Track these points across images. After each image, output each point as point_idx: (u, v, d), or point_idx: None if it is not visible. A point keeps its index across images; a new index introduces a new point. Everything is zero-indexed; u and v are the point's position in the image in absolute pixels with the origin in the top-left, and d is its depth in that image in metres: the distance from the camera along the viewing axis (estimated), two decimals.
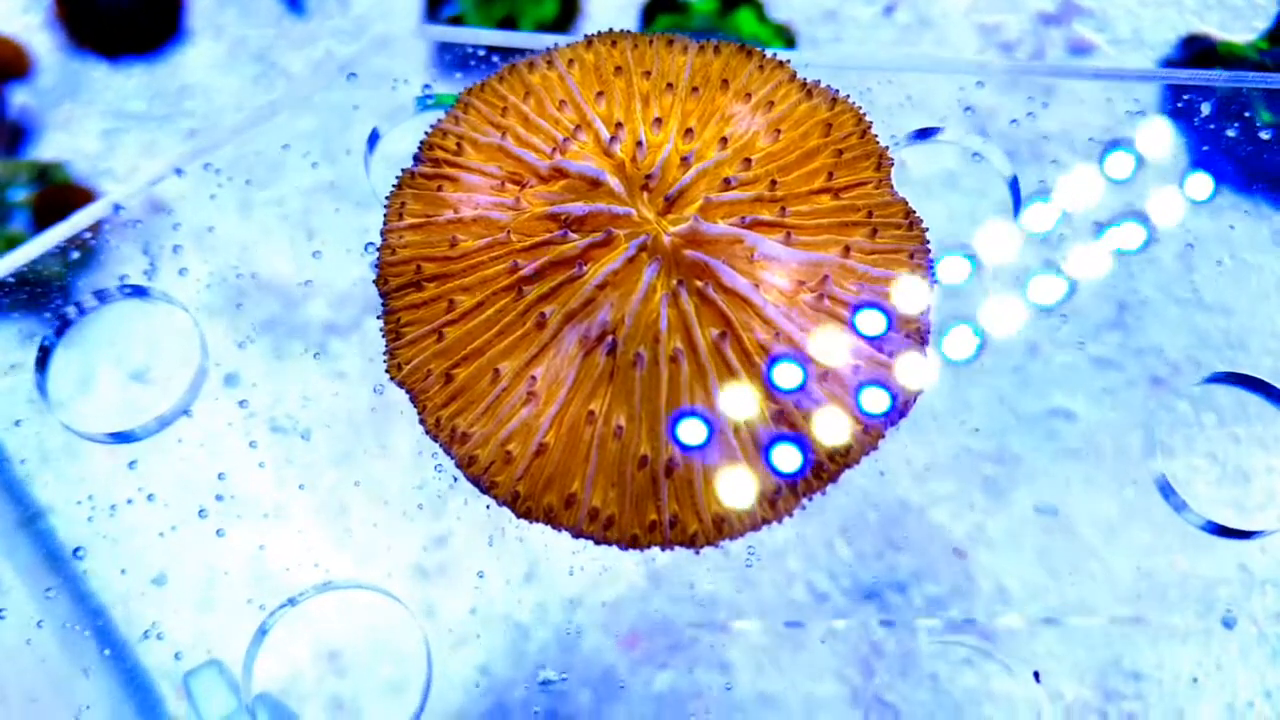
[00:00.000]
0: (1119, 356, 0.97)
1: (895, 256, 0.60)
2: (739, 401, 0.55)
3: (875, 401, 0.57)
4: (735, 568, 0.78)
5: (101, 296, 0.74)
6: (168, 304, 0.76)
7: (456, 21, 1.27)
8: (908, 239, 0.61)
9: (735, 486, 0.55)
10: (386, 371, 0.59)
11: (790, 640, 0.81)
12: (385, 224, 0.61)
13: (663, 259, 0.56)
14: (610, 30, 0.66)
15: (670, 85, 0.63)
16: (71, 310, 0.73)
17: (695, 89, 0.63)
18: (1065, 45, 1.26)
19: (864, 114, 0.64)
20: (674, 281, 0.56)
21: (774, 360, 0.56)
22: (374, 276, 0.61)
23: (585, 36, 0.66)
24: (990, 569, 0.89)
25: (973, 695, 0.91)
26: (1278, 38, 1.16)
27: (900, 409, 0.58)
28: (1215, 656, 0.97)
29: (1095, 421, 0.97)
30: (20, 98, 1.36)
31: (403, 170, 0.64)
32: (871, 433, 0.57)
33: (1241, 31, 1.20)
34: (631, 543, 0.55)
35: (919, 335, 0.59)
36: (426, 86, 0.76)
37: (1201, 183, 1.24)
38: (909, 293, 0.59)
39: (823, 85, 0.65)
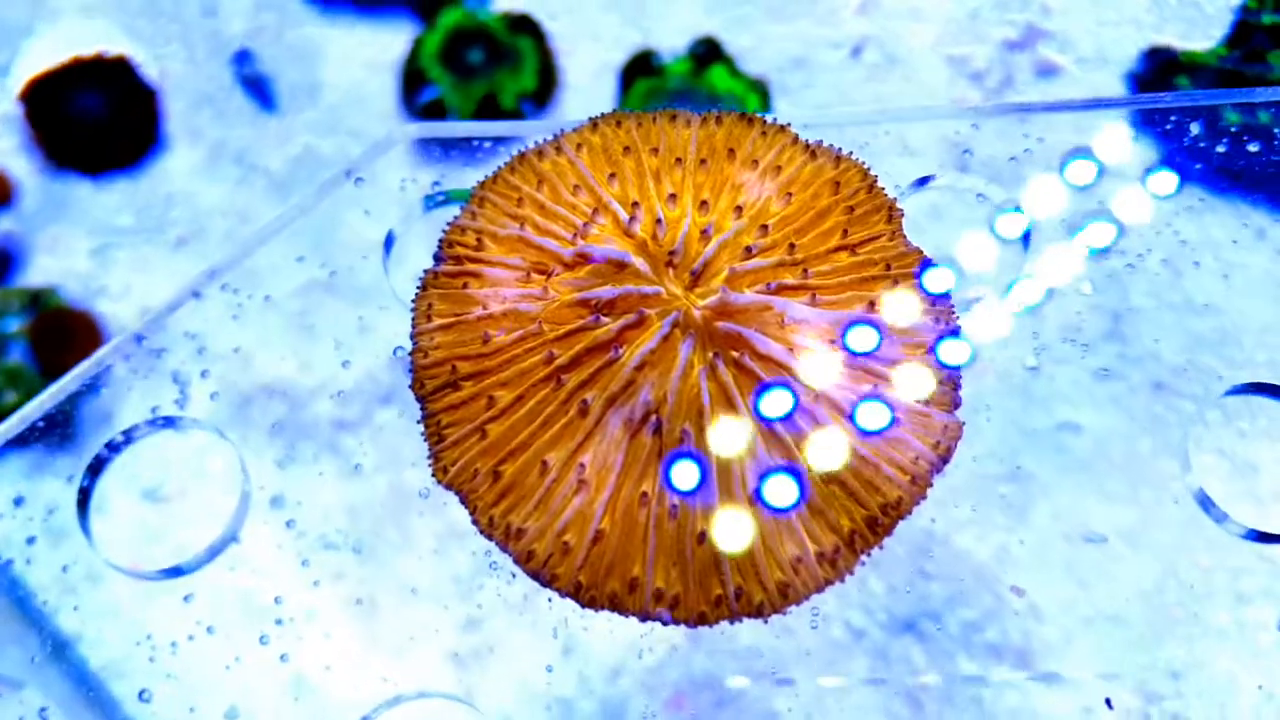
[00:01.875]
0: (1119, 366, 0.98)
1: (921, 309, 0.60)
2: (789, 466, 0.55)
3: (918, 452, 0.57)
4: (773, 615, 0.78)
5: (134, 431, 0.74)
6: (202, 431, 0.76)
7: (437, 106, 1.28)
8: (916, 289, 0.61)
9: (795, 550, 0.55)
10: (432, 475, 0.59)
11: (835, 682, 0.81)
12: (414, 327, 0.61)
13: (696, 333, 0.57)
14: (614, 111, 0.66)
15: (679, 160, 0.63)
16: (105, 448, 0.72)
17: (703, 161, 0.63)
18: (1032, 69, 1.28)
19: (868, 168, 0.65)
20: (710, 354, 0.56)
21: (816, 423, 0.56)
22: (409, 381, 0.61)
23: (590, 120, 0.66)
24: (1021, 587, 0.89)
25: (1018, 715, 0.91)
26: (1236, 42, 1.18)
27: (944, 456, 0.58)
28: (1251, 649, 0.96)
29: (1103, 432, 0.97)
30: (4, 224, 1.36)
31: (425, 271, 0.64)
32: (919, 483, 0.57)
33: (1200, 40, 1.22)
34: (699, 620, 0.55)
35: (951, 382, 0.60)
36: (436, 184, 0.76)
37: (1167, 180, 1.26)
38: (934, 341, 0.60)
39: (825, 144, 0.66)
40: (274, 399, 0.82)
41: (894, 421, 0.56)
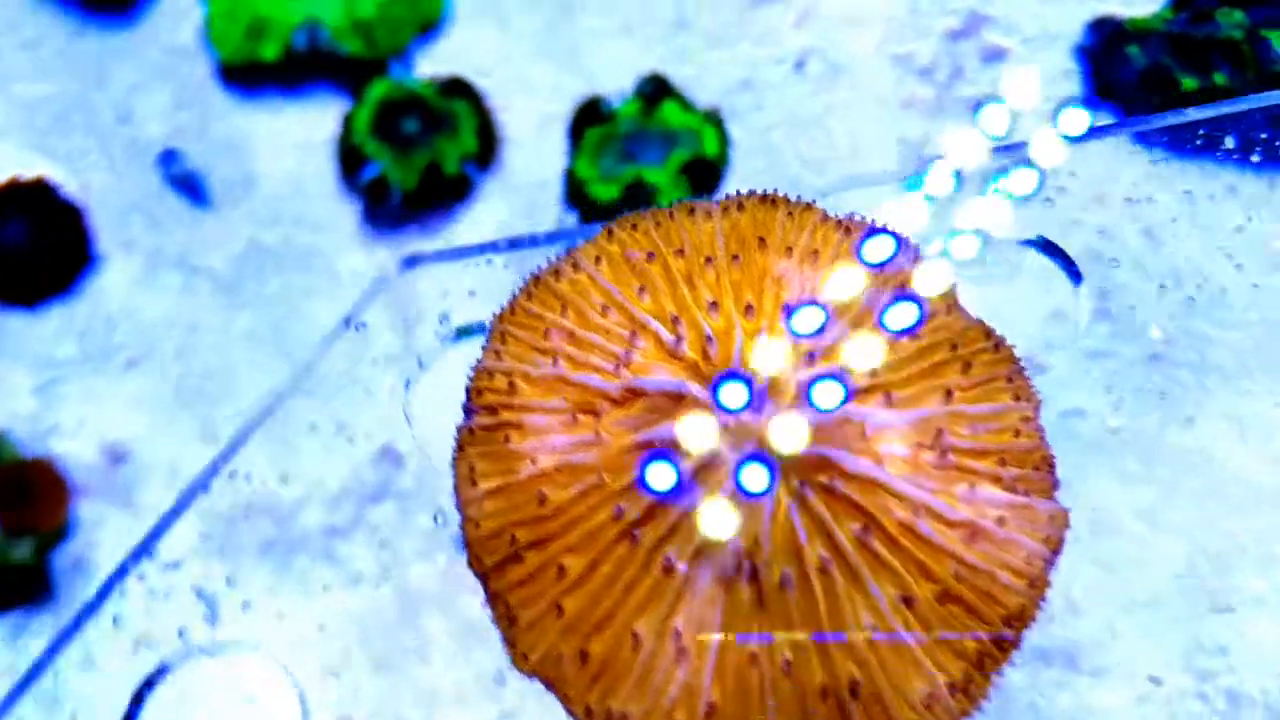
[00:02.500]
0: (1112, 345, 0.94)
1: (994, 385, 0.54)
2: (903, 594, 0.49)
3: (1029, 550, 0.51)
4: None
5: (168, 665, 0.65)
6: (242, 652, 0.67)
7: (380, 183, 1.20)
8: (998, 362, 0.55)
9: (925, 686, 0.49)
10: (512, 665, 0.52)
11: None
12: (458, 495, 0.54)
13: (776, 462, 0.50)
14: (627, 215, 0.60)
15: (709, 259, 0.56)
16: (143, 685, 0.64)
17: (735, 257, 0.57)
18: (979, 56, 1.23)
19: (908, 238, 0.59)
20: (795, 484, 0.50)
21: (919, 539, 0.50)
22: (465, 558, 0.54)
23: (604, 228, 0.59)
24: (1052, 582, 0.86)
25: (1072, 714, 0.88)
26: (1182, 4, 1.14)
27: (1055, 549, 0.52)
28: None
29: (1108, 411, 0.94)
30: None
31: (457, 428, 0.56)
32: (1038, 584, 0.51)
33: (1144, 5, 1.18)
34: None
35: (1046, 463, 0.54)
36: (443, 317, 0.68)
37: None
38: (1023, 421, 0.54)
39: (855, 216, 0.60)
40: (312, 599, 0.74)
41: (999, 521, 0.51)
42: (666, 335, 0.53)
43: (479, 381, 0.56)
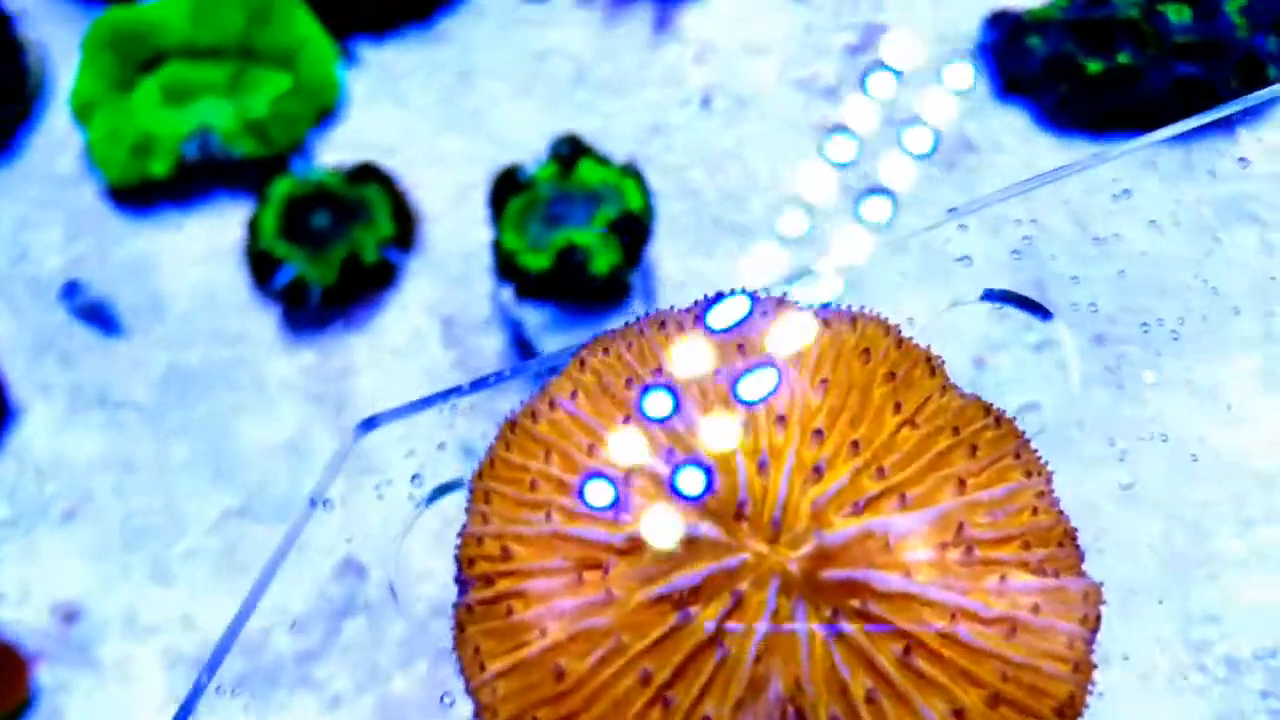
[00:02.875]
0: (1056, 334, 0.93)
1: (1003, 465, 0.52)
2: (953, 708, 0.47)
3: (1070, 634, 0.49)
4: None
5: None
6: None
7: (298, 285, 1.14)
8: (1003, 439, 0.53)
9: None
10: None
11: None
12: (467, 681, 0.50)
13: (802, 595, 0.47)
14: (596, 338, 0.56)
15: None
16: None
17: (717, 370, 0.53)
18: (881, 67, 1.21)
19: (885, 318, 0.57)
20: (827, 613, 0.47)
21: (963, 646, 0.47)
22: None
23: (574, 357, 0.56)
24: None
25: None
26: None
27: (1094, 628, 0.50)
28: (1274, 569, 0.94)
29: (1063, 401, 0.92)
30: None
31: (453, 606, 0.52)
32: (1083, 668, 0.49)
33: None
34: None
35: (1069, 537, 0.52)
36: (415, 478, 0.64)
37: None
38: (1037, 497, 0.52)
39: (833, 305, 0.57)
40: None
41: (1034, 609, 0.48)
42: (663, 473, 0.49)
43: (468, 550, 0.52)
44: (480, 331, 1.20)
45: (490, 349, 1.19)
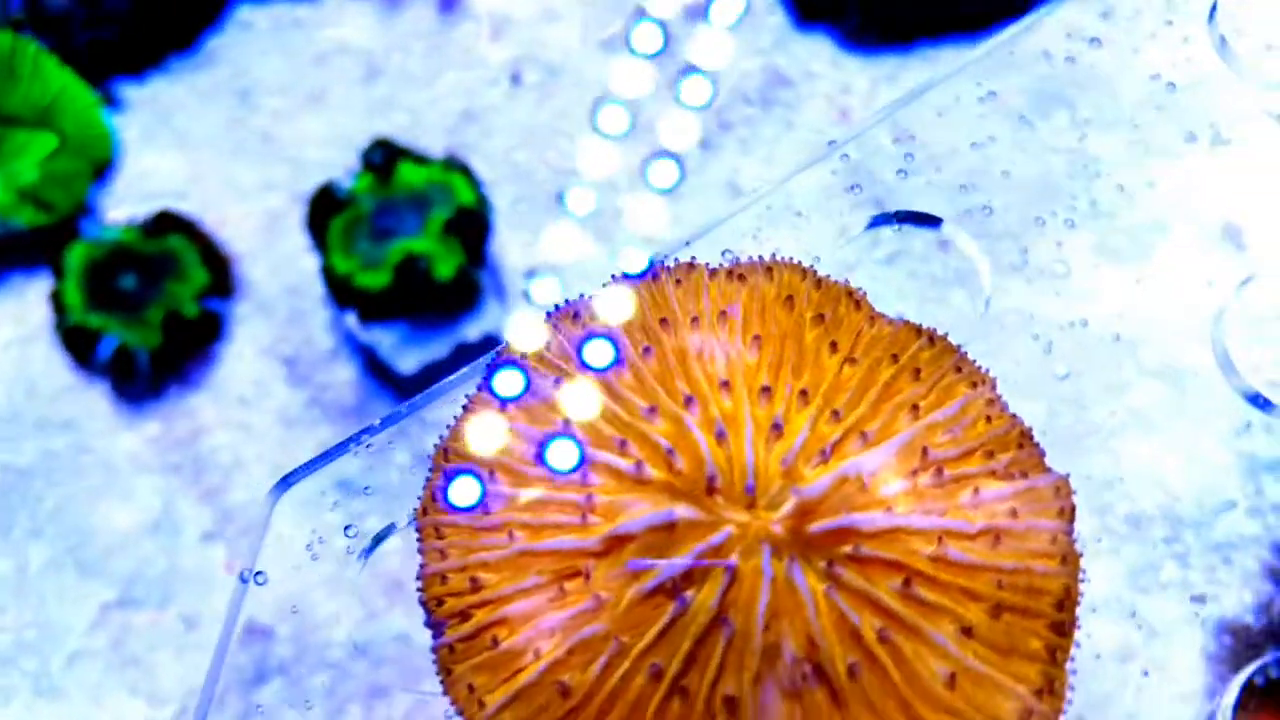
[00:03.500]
0: (903, 244, 0.96)
1: (947, 381, 0.53)
2: (961, 627, 0.48)
3: (1051, 530, 0.51)
4: None
5: None
6: None
7: (122, 354, 1.07)
8: (941, 355, 0.54)
9: (1014, 704, 0.48)
10: None
11: None
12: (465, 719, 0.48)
13: (795, 554, 0.47)
14: (500, 347, 0.54)
15: (620, 360, 0.52)
16: None
17: (646, 349, 0.53)
18: (684, 15, 1.22)
19: (799, 261, 0.57)
20: (823, 566, 0.47)
21: (955, 566, 0.48)
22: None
23: (495, 353, 0.54)
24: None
25: None
26: None
27: (1070, 517, 0.52)
28: (1147, 424, 0.99)
29: (917, 306, 0.95)
30: None
31: (432, 649, 0.50)
32: (1070, 559, 0.51)
33: None
34: None
35: (1024, 436, 0.54)
36: (348, 528, 0.61)
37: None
38: (987, 405, 0.54)
39: (743, 260, 0.57)
40: None
41: (1012, 513, 0.50)
42: (623, 465, 0.49)
43: (433, 590, 0.50)
44: (327, 365, 1.15)
45: (342, 381, 1.15)
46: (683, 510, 0.47)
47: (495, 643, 0.48)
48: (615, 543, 0.47)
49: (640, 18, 1.19)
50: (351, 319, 1.08)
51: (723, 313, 0.53)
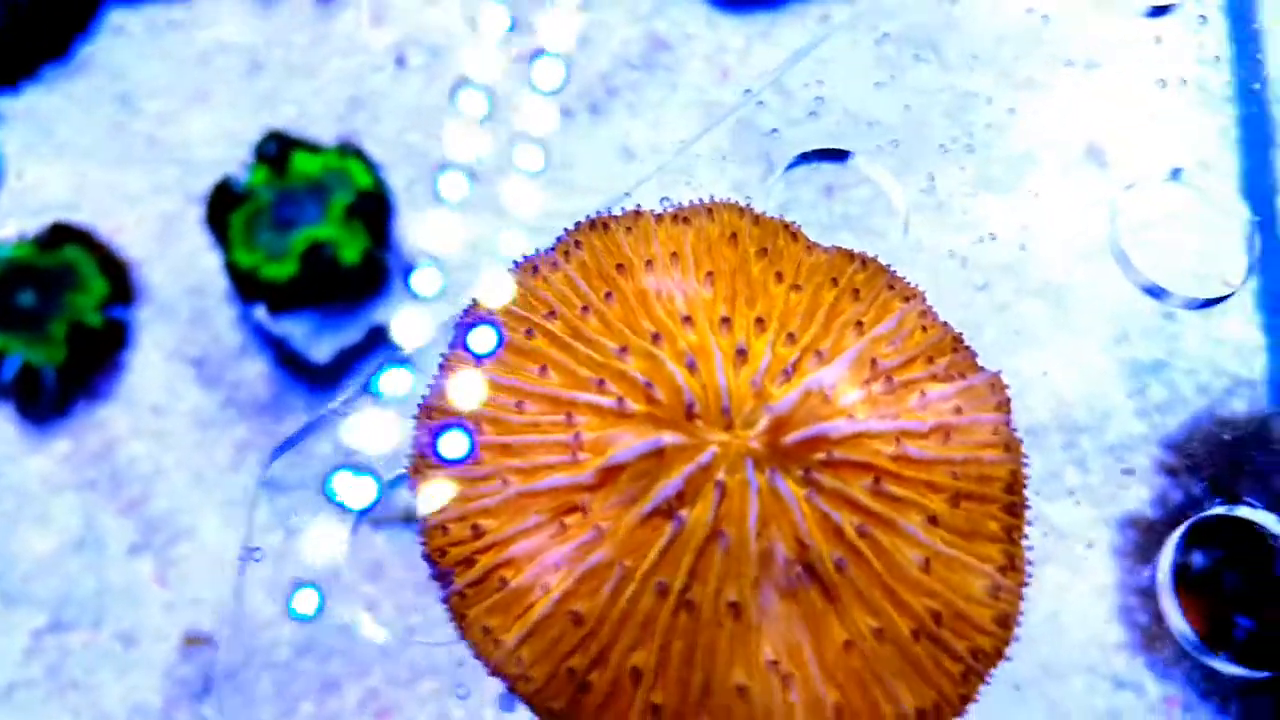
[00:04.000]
0: (796, 192, 1.00)
1: (884, 298, 0.58)
2: (927, 516, 0.53)
3: (993, 422, 0.56)
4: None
5: None
6: None
7: (27, 373, 1.06)
8: (874, 275, 0.59)
9: (981, 580, 0.53)
10: None
11: None
12: (488, 662, 0.51)
13: (775, 466, 0.51)
14: (469, 308, 0.57)
15: (584, 308, 0.56)
16: None
17: (608, 294, 0.56)
18: None
19: (735, 201, 0.61)
20: (800, 474, 0.52)
21: (918, 462, 0.53)
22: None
23: (458, 327, 0.56)
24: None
25: None
26: None
27: (1008, 409, 0.58)
28: (1030, 337, 1.05)
29: (825, 214, 1.00)
30: None
31: (442, 600, 0.53)
32: (1013, 446, 0.56)
33: None
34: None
35: (955, 341, 0.59)
36: (358, 514, 0.62)
37: None
38: (921, 316, 0.59)
39: (681, 204, 0.61)
40: None
41: (956, 410, 0.55)
42: (605, 401, 0.52)
43: (435, 541, 0.52)
44: (237, 362, 1.15)
45: (255, 377, 1.15)
46: (669, 437, 0.51)
47: (504, 583, 0.51)
48: (608, 474, 0.51)
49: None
50: (261, 312, 1.09)
51: (674, 254, 0.57)
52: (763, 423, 0.51)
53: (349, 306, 1.12)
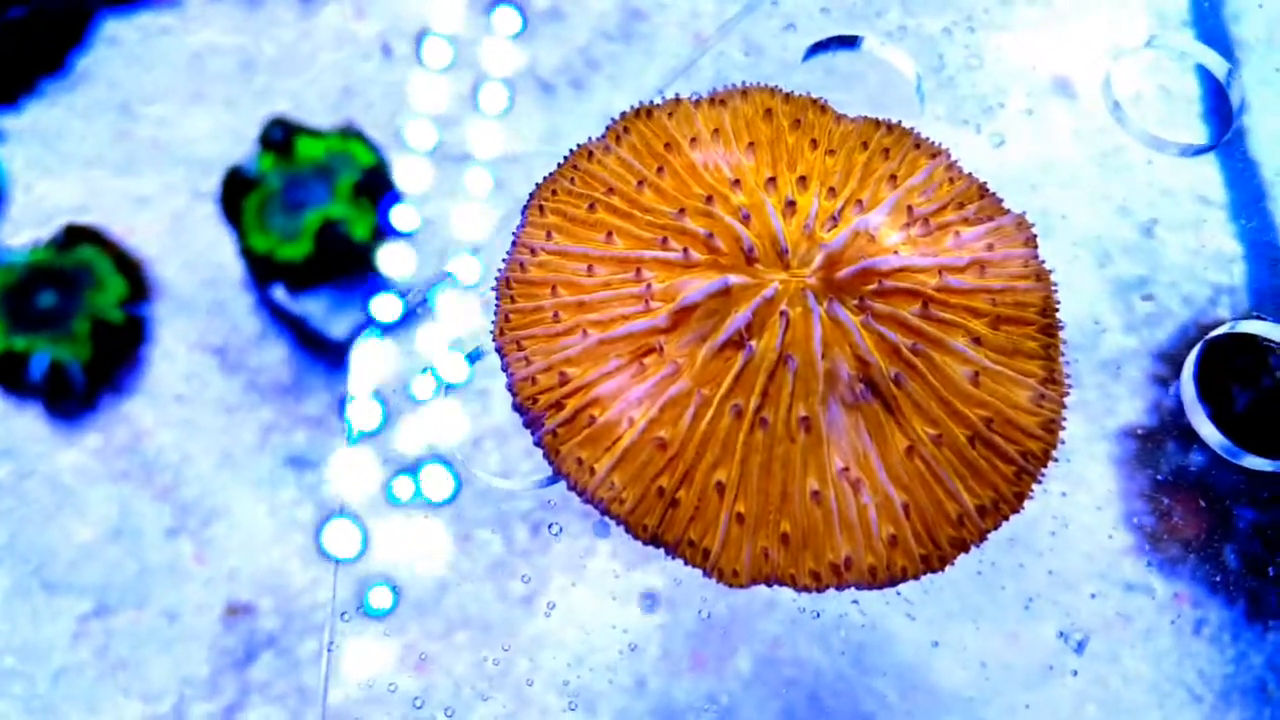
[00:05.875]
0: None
1: (912, 156, 0.65)
2: (972, 337, 0.59)
3: (1022, 256, 0.62)
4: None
5: None
6: None
7: (55, 372, 1.10)
8: (901, 137, 0.65)
9: (1028, 391, 0.59)
10: (730, 587, 0.56)
11: None
12: (583, 490, 0.56)
13: (833, 297, 0.57)
14: (534, 192, 0.63)
15: (640, 182, 0.62)
16: None
17: (660, 169, 0.62)
18: None
19: (764, 84, 0.67)
20: (854, 303, 0.58)
21: (960, 291, 0.60)
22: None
23: (530, 206, 0.62)
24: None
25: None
26: None
27: (1035, 245, 0.64)
28: None
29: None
30: None
31: (536, 442, 0.58)
32: (1044, 276, 0.63)
33: None
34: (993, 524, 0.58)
35: (982, 189, 0.65)
36: (472, 356, 0.67)
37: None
38: (948, 169, 0.65)
39: (705, 94, 0.67)
40: None
41: (989, 247, 0.61)
42: (670, 255, 0.58)
43: (525, 391, 0.58)
44: (257, 348, 1.19)
45: (275, 360, 1.19)
46: (734, 278, 0.57)
47: (592, 420, 0.56)
48: (680, 316, 0.57)
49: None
50: (281, 292, 1.13)
51: (715, 131, 0.63)
52: (818, 259, 0.57)
53: (361, 283, 1.17)
